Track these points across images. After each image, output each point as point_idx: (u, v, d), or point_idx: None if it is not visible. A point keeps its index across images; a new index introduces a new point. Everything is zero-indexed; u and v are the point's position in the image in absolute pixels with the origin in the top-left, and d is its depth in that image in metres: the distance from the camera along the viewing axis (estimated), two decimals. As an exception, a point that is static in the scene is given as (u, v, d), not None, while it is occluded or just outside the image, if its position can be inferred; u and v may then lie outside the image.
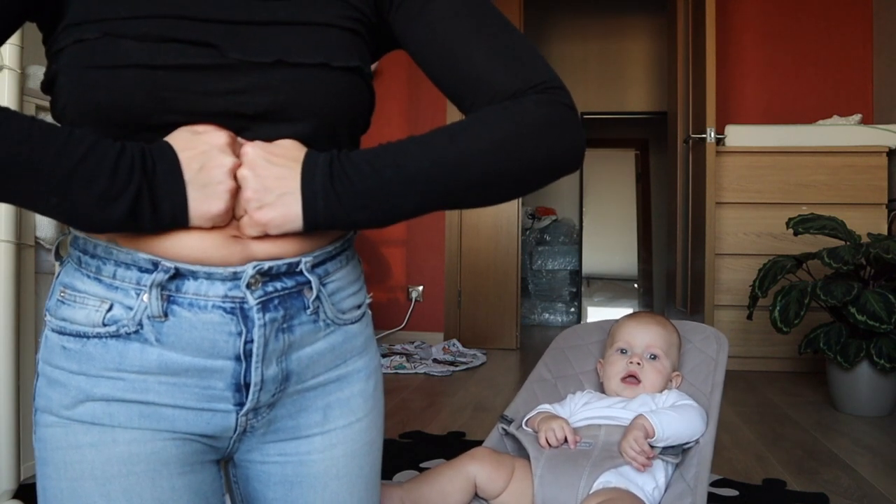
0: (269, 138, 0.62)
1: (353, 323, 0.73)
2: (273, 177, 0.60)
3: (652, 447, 1.16)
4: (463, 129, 0.63)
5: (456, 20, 0.67)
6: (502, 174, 0.63)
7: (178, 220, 0.58)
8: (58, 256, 0.67)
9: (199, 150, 0.58)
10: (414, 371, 3.13)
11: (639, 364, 1.33)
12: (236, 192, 0.59)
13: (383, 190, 0.61)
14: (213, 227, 0.61)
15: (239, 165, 0.60)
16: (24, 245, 1.51)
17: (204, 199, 0.58)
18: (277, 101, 0.61)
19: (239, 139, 0.62)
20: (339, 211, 0.61)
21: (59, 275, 0.66)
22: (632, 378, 1.33)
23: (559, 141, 0.65)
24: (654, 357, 1.35)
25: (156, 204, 0.57)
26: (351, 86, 0.65)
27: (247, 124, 0.61)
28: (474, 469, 1.19)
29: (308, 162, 0.61)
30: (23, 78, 1.47)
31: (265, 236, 0.62)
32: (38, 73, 1.54)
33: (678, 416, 1.21)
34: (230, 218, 0.61)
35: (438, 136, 0.63)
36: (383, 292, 3.98)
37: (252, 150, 0.61)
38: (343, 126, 0.66)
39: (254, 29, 0.62)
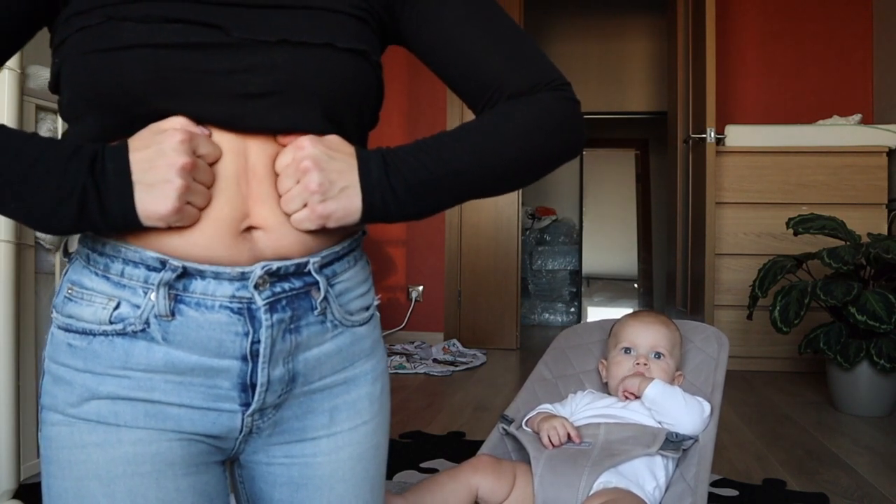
0: (273, 121, 0.61)
1: (361, 325, 0.73)
2: (335, 170, 0.61)
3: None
4: (493, 123, 0.67)
5: (469, 25, 0.69)
6: (527, 162, 0.69)
7: (128, 220, 0.57)
8: (66, 253, 0.67)
9: (153, 148, 0.57)
10: (414, 371, 3.13)
11: (645, 364, 1.34)
12: (186, 190, 0.57)
13: (432, 183, 0.64)
14: (222, 226, 0.60)
15: (194, 164, 0.57)
16: (24, 245, 1.51)
17: (151, 199, 0.56)
18: (280, 81, 0.61)
19: (290, 139, 0.62)
20: (394, 204, 0.63)
21: (66, 272, 0.65)
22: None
23: (571, 131, 0.71)
24: (659, 356, 1.35)
25: (104, 204, 0.56)
26: (357, 69, 0.65)
27: (250, 105, 0.60)
28: (476, 480, 1.18)
29: (362, 156, 0.63)
30: (23, 78, 1.47)
31: (271, 235, 0.62)
32: (38, 73, 1.54)
33: (680, 397, 1.25)
34: (185, 217, 0.58)
35: (471, 130, 0.66)
36: (383, 292, 3.98)
37: (310, 144, 0.61)
38: (349, 114, 0.66)
39: (259, 11, 0.61)
